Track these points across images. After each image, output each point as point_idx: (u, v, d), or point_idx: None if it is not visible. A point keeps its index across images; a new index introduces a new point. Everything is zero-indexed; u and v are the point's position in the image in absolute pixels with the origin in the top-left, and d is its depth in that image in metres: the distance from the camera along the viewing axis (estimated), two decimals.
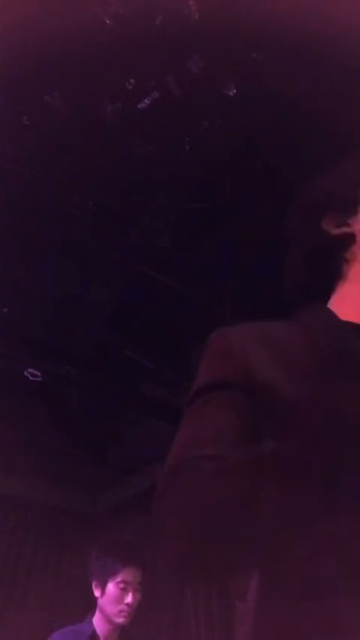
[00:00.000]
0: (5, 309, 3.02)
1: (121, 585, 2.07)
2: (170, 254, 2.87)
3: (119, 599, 2.05)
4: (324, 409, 0.68)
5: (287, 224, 0.98)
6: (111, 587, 2.08)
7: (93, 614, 2.13)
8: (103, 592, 2.09)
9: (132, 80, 2.23)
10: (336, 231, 0.89)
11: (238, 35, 2.08)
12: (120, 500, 4.19)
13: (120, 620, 2.05)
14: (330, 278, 0.89)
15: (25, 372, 3.20)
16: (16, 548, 4.22)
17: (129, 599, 2.05)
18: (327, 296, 0.89)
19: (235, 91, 2.22)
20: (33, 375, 3.21)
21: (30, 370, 3.20)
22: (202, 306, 2.97)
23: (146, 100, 2.27)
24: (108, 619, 2.07)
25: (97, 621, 2.10)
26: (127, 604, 2.04)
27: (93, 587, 2.13)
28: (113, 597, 2.06)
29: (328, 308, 0.86)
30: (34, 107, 2.29)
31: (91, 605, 2.15)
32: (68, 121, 2.31)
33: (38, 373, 3.22)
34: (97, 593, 2.12)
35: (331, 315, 0.83)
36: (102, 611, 2.09)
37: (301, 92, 2.18)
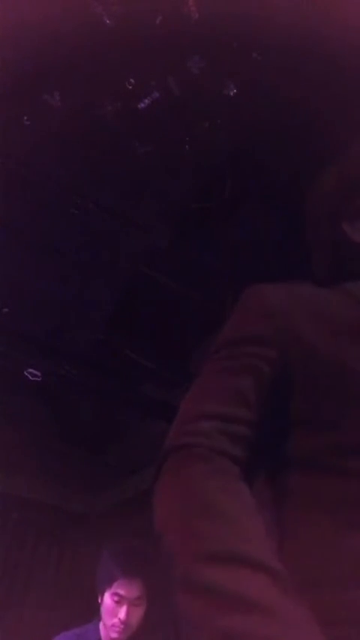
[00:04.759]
0: (5, 309, 3.02)
1: (115, 598, 1.89)
2: (170, 254, 2.87)
3: (112, 612, 1.88)
4: None
5: (308, 219, 0.93)
6: (106, 597, 1.93)
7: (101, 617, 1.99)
8: (101, 600, 1.96)
9: (132, 80, 2.23)
10: (357, 237, 0.85)
11: (238, 35, 2.08)
12: (120, 500, 4.19)
13: (113, 635, 1.87)
14: (354, 278, 0.85)
15: (25, 372, 3.20)
16: (16, 547, 4.22)
17: (122, 614, 1.86)
18: None
19: (235, 91, 2.22)
20: (33, 375, 3.21)
21: (30, 370, 3.20)
22: (202, 306, 2.97)
23: (146, 100, 2.26)
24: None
25: (103, 626, 1.95)
26: (120, 619, 1.85)
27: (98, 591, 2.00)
28: (107, 609, 1.91)
29: None
30: (34, 107, 2.29)
31: (91, 604, 2.08)
32: (68, 121, 2.31)
33: (38, 373, 3.22)
34: (99, 598, 1.98)
35: None
36: (102, 619, 1.96)
37: (300, 92, 2.18)
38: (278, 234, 2.46)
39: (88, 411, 3.83)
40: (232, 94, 2.23)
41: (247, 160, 2.49)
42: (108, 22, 2.05)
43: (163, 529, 0.60)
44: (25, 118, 2.31)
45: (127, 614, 1.86)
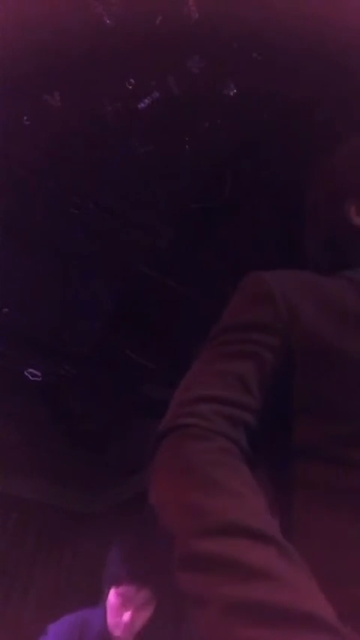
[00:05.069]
0: (5, 309, 3.02)
1: (120, 599, 1.81)
2: (170, 254, 2.87)
3: (117, 612, 1.81)
4: None
5: (309, 200, 0.91)
6: (111, 595, 1.85)
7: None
8: (106, 596, 1.88)
9: (132, 80, 2.23)
10: (358, 221, 0.84)
11: (238, 35, 2.08)
12: (120, 500, 4.19)
13: (116, 633, 1.80)
14: (351, 266, 0.84)
15: (25, 372, 3.20)
16: (17, 547, 4.22)
17: (126, 617, 1.78)
18: None
19: (235, 91, 2.22)
20: (33, 375, 3.21)
21: (30, 370, 3.20)
22: (202, 306, 2.97)
23: (146, 100, 2.26)
24: None
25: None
26: (124, 622, 1.79)
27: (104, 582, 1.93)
28: (111, 607, 1.83)
29: None
30: (34, 107, 2.29)
31: (91, 604, 2.02)
32: (68, 121, 2.31)
33: (38, 373, 3.22)
34: (105, 589, 1.90)
35: None
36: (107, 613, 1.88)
37: (301, 92, 2.18)
38: (279, 234, 2.46)
39: (88, 411, 3.82)
40: (232, 94, 2.23)
41: (247, 160, 2.49)
42: (108, 22, 2.05)
43: (161, 506, 0.59)
44: (25, 118, 2.31)
45: (132, 617, 1.80)
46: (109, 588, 1.88)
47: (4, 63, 2.11)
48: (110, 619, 1.84)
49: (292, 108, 2.23)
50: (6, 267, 2.83)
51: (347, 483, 0.60)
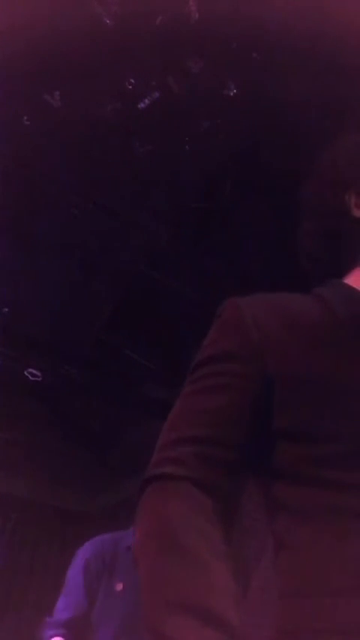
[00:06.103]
0: (5, 309, 3.02)
1: None
2: (170, 254, 2.87)
3: None
4: (339, 377, 0.67)
5: (306, 193, 0.91)
6: None
7: None
8: None
9: (132, 80, 2.23)
10: (358, 213, 0.83)
11: (238, 35, 2.08)
12: (120, 500, 4.19)
13: None
14: (345, 259, 0.84)
15: (25, 372, 3.20)
16: (16, 547, 4.22)
17: None
18: (339, 274, 0.84)
19: (235, 91, 2.22)
20: (33, 375, 3.21)
21: (30, 370, 3.20)
22: (202, 306, 2.97)
23: (146, 100, 2.27)
24: None
25: None
26: None
27: None
28: None
29: (345, 282, 0.81)
30: (34, 107, 2.29)
31: None
32: (68, 121, 2.31)
33: (38, 373, 3.22)
34: None
35: (348, 287, 0.79)
36: None
37: (300, 92, 2.18)
38: (278, 234, 2.46)
39: (88, 411, 3.83)
40: (232, 94, 2.23)
41: (247, 160, 2.49)
42: (108, 22, 2.05)
43: (137, 566, 0.62)
44: (25, 118, 2.31)
45: None
46: None
47: (4, 63, 2.11)
48: None
49: (291, 108, 2.24)
50: (6, 267, 2.83)
51: (327, 503, 0.62)
